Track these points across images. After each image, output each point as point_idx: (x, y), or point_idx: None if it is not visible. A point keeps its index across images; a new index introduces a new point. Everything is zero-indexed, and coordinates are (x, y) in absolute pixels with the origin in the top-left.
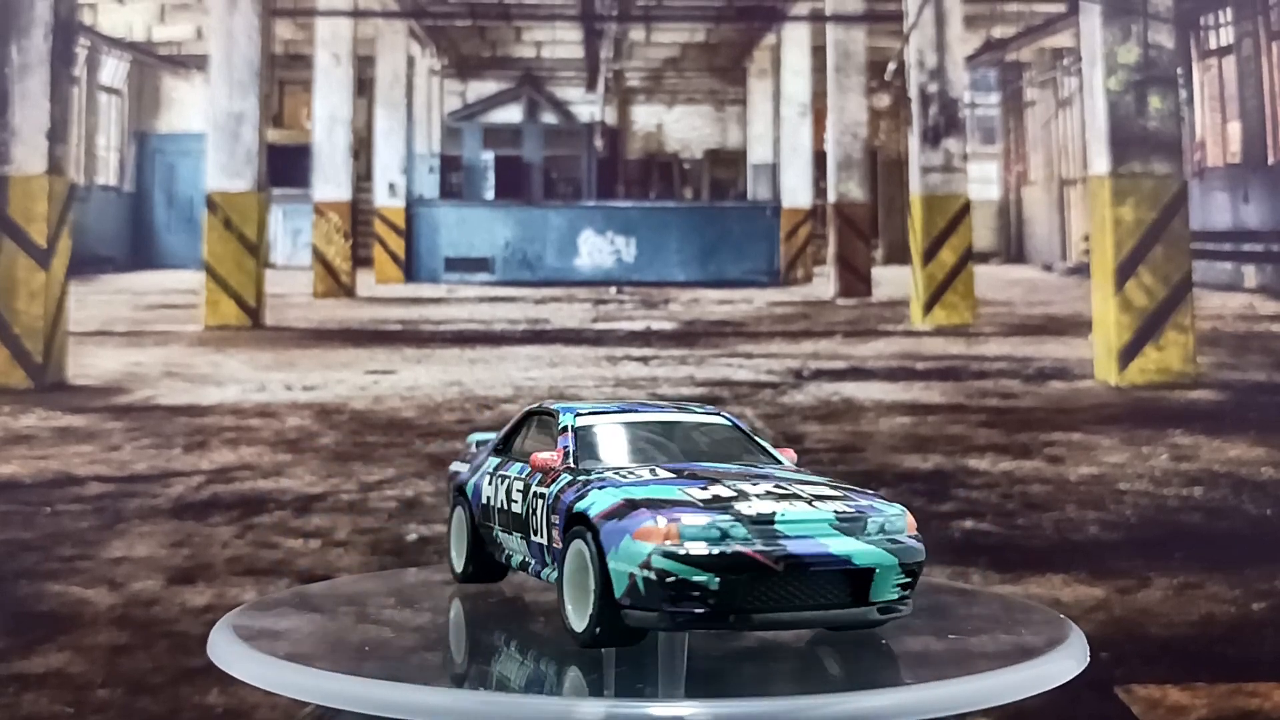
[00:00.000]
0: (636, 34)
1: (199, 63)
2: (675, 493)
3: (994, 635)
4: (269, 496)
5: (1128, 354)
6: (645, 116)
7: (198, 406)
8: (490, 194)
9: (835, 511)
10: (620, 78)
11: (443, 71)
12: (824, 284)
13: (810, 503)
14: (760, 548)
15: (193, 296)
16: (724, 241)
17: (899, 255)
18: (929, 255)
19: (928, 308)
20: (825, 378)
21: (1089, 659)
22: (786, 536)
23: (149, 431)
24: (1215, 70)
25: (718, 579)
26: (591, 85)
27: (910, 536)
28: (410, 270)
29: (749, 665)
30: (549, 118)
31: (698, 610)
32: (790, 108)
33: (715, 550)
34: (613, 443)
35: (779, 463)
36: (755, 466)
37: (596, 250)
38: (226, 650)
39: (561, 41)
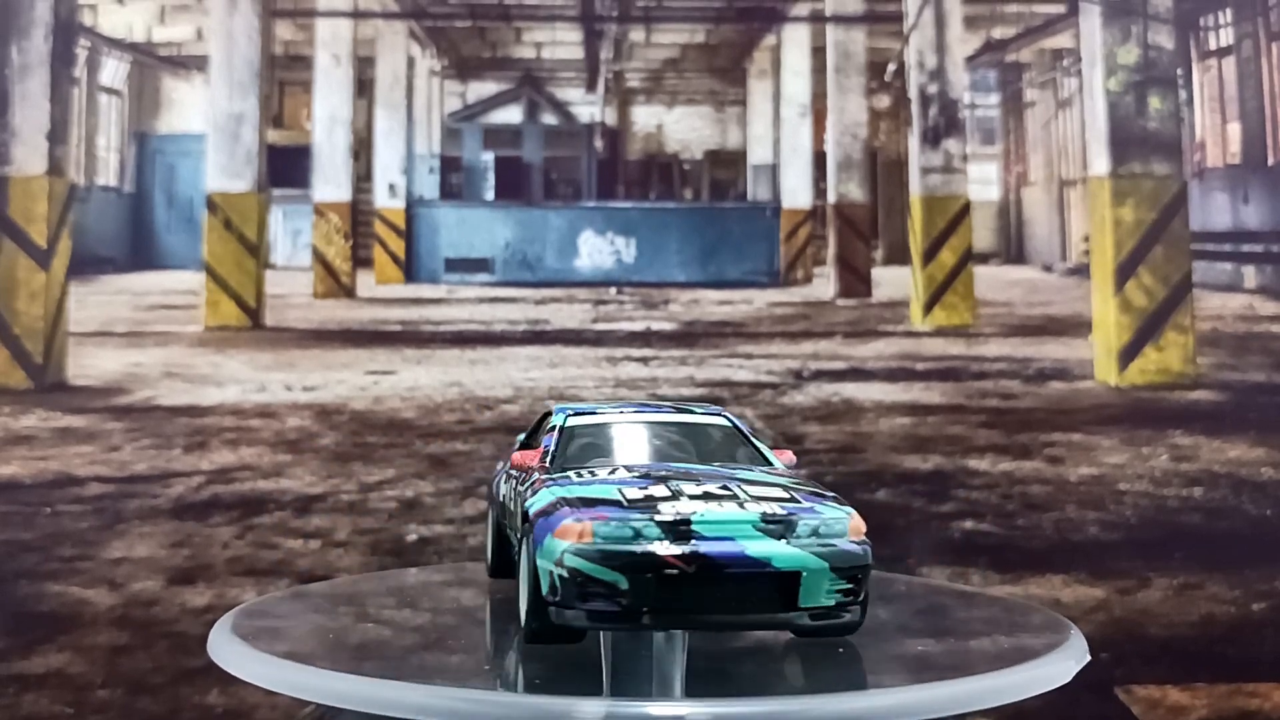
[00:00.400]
0: (636, 35)
1: (199, 63)
2: (611, 492)
3: (993, 636)
4: (269, 497)
5: (1128, 354)
6: (645, 117)
7: (198, 407)
8: (490, 195)
9: (763, 513)
10: (620, 78)
11: (443, 72)
12: (824, 285)
13: (742, 504)
14: (671, 548)
15: (193, 297)
16: (724, 242)
17: (899, 256)
18: (929, 256)
19: (928, 308)
20: (825, 378)
21: (1088, 660)
22: (702, 537)
23: (149, 432)
24: (1215, 71)
25: (626, 578)
26: (591, 86)
27: (852, 541)
28: (410, 271)
29: (748, 664)
30: (549, 118)
31: (610, 609)
32: (790, 108)
33: (623, 549)
34: (596, 442)
35: (769, 464)
36: (730, 468)
37: (596, 251)
38: (226, 649)
39: (561, 42)
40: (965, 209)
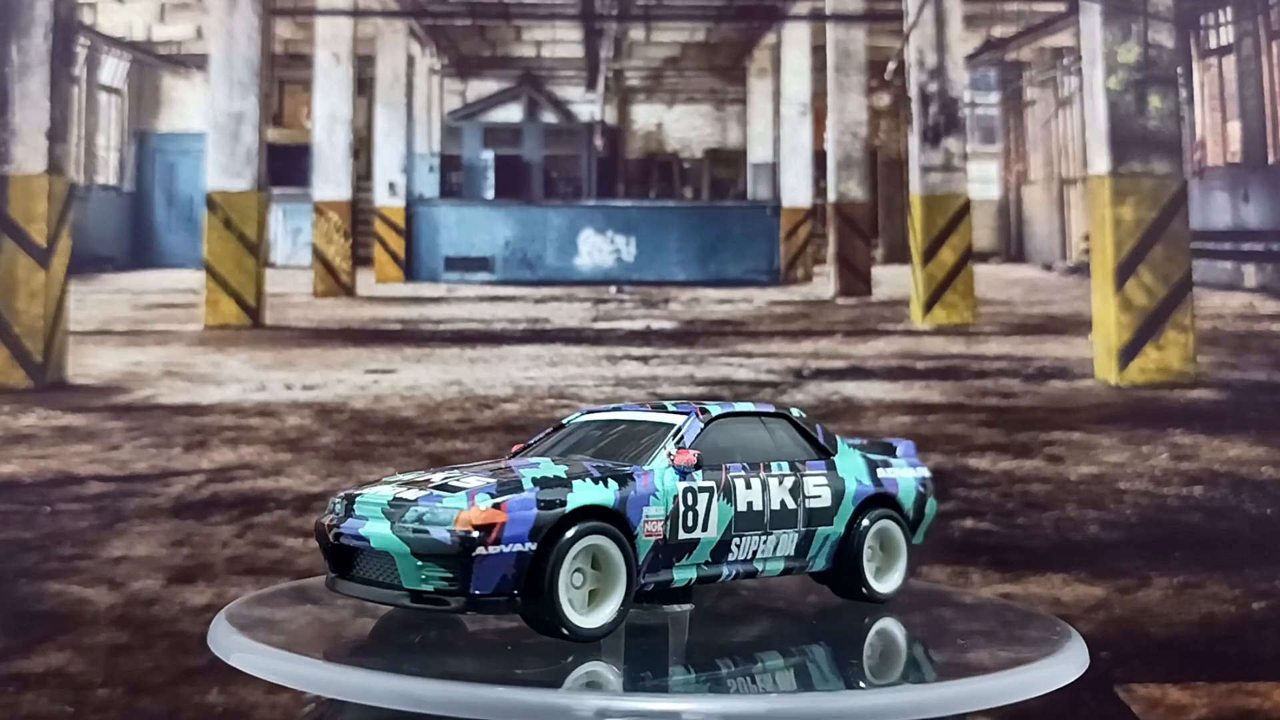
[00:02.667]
0: (636, 33)
1: (199, 62)
2: (417, 475)
3: (994, 639)
4: (269, 496)
5: (1128, 353)
6: (645, 116)
7: (198, 406)
8: (490, 193)
9: (392, 497)
10: (620, 77)
11: (443, 71)
12: (824, 283)
13: (411, 487)
14: (329, 522)
15: (193, 296)
16: (724, 241)
17: (899, 255)
18: (929, 255)
19: (928, 307)
20: (825, 377)
21: (1088, 664)
22: (353, 515)
23: (149, 431)
24: (1215, 70)
25: (321, 546)
26: (591, 85)
27: (451, 530)
28: (410, 269)
29: (752, 662)
30: (549, 117)
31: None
32: (790, 107)
33: (317, 521)
34: (565, 438)
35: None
36: (597, 458)
37: (596, 249)
38: (226, 641)
39: (561, 41)
40: (965, 208)
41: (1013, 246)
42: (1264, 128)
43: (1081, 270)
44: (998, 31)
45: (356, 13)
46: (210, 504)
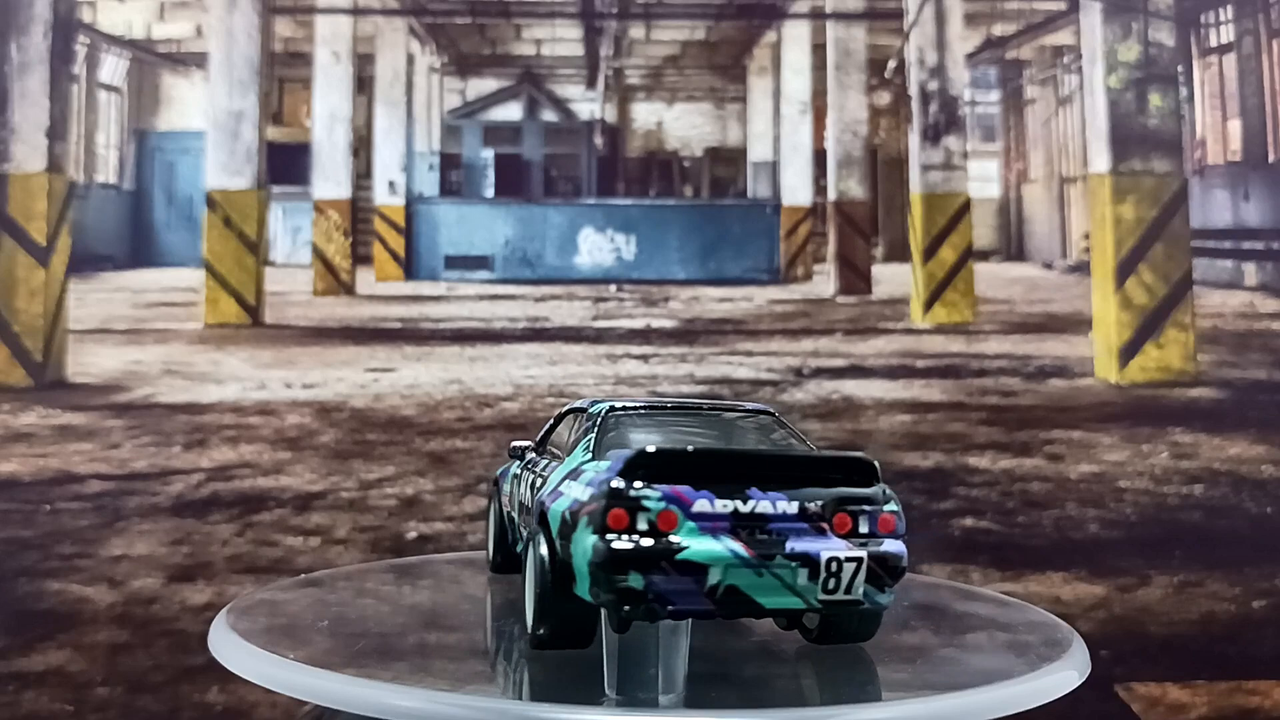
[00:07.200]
0: (636, 31)
1: (199, 61)
2: None
3: (993, 645)
4: (269, 494)
5: (1128, 352)
6: (645, 114)
7: (197, 404)
8: (490, 192)
9: None
10: (620, 75)
11: (442, 69)
12: (824, 282)
13: None
14: None
15: (192, 294)
16: (724, 239)
17: (899, 253)
18: (929, 253)
19: (928, 305)
20: (825, 375)
21: (1089, 672)
22: None
23: (149, 429)
24: (1216, 68)
25: None
26: (591, 83)
27: None
28: (410, 268)
29: (752, 670)
30: (549, 115)
31: None
32: (790, 105)
33: None
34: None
35: None
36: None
37: (596, 248)
38: (225, 642)
39: (561, 39)
40: (965, 206)
41: (1013, 245)
42: (1264, 126)
43: (1081, 269)
44: (998, 30)
45: (356, 11)
46: (210, 503)
